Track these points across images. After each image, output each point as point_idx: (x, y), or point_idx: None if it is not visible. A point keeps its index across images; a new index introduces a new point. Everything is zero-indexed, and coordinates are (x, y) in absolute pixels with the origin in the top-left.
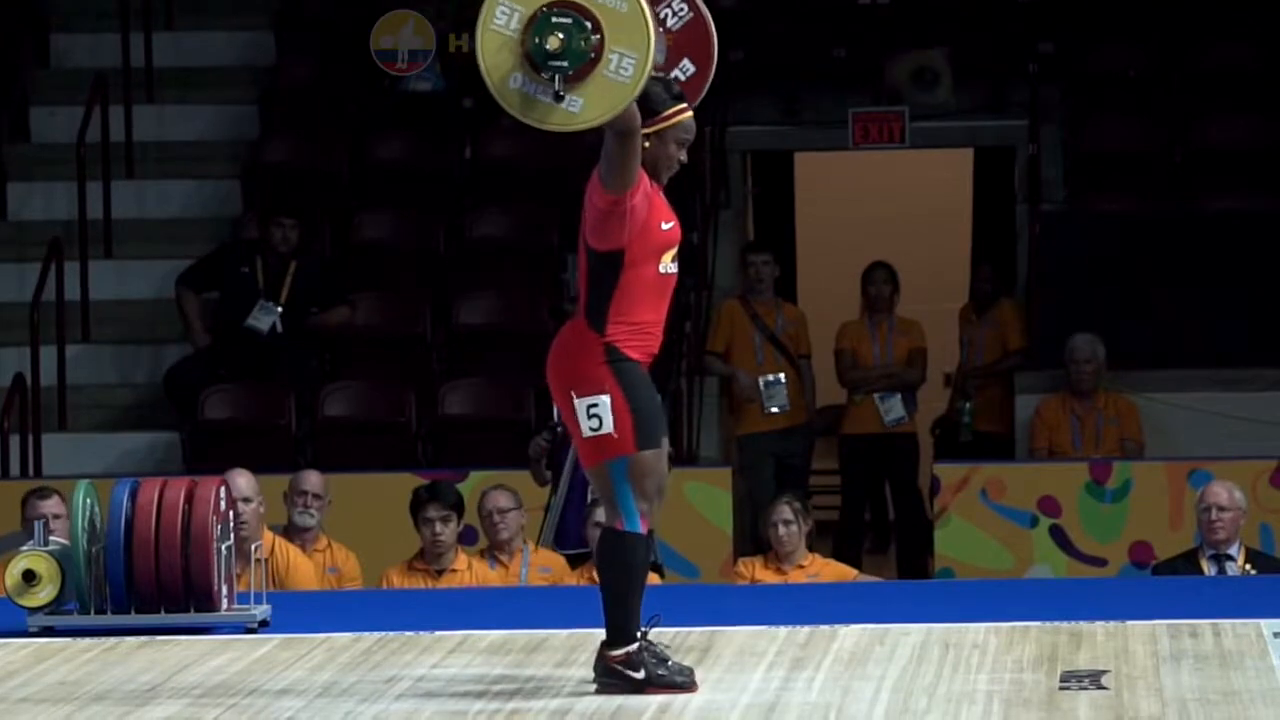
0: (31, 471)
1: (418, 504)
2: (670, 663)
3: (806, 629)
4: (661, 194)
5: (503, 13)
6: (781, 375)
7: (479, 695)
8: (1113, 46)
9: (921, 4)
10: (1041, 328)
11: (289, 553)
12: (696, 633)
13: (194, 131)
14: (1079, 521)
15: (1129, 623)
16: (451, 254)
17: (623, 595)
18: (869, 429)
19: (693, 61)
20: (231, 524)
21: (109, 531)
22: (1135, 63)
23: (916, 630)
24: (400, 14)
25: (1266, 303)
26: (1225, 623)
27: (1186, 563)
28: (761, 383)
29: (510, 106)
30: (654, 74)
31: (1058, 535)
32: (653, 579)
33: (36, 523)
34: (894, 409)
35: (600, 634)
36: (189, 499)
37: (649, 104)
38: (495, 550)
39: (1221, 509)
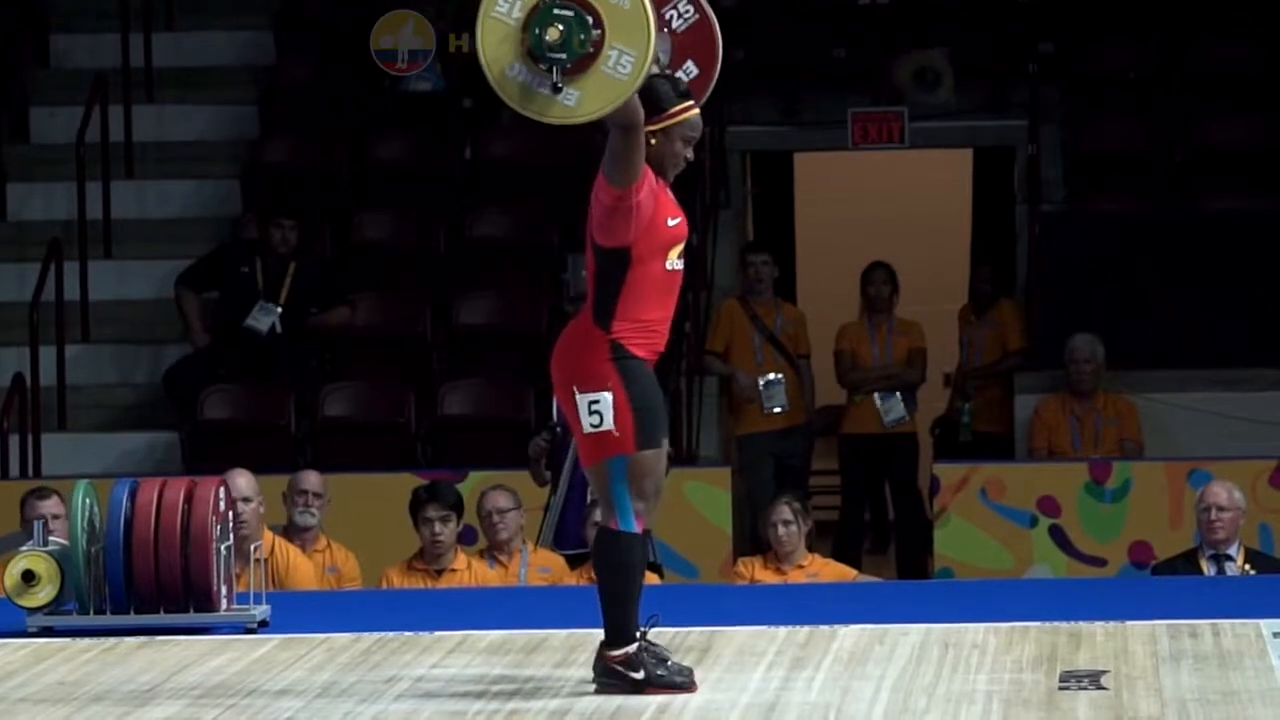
0: (31, 471)
1: (417, 504)
2: (670, 663)
3: (806, 629)
4: (668, 190)
5: (505, 1)
6: (781, 375)
7: (478, 695)
8: (1113, 46)
9: (922, 4)
10: (1041, 328)
11: (288, 553)
12: (696, 633)
13: (194, 131)
14: (1078, 521)
15: (1128, 623)
16: (451, 254)
17: (620, 595)
18: (869, 429)
19: (697, 64)
20: (231, 524)
21: (108, 532)
22: (1135, 63)
23: (916, 630)
24: (400, 14)
25: (1266, 303)
26: (1225, 623)
27: (1186, 563)
28: (761, 383)
29: (510, 98)
30: (660, 72)
31: (1057, 535)
32: (652, 579)
33: (36, 523)
34: (894, 409)
35: (600, 634)
36: (188, 499)
37: (655, 101)
38: (495, 550)
39: (1221, 509)
